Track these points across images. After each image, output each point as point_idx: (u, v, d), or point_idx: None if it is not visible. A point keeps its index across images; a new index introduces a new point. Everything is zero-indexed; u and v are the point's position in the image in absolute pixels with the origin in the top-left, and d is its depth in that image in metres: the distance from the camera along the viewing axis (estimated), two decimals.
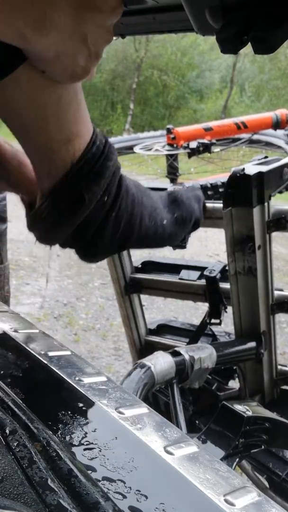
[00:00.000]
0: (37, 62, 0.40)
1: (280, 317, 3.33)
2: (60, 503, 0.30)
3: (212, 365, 0.94)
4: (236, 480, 0.35)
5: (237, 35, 0.41)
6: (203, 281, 1.13)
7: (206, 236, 5.33)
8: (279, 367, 1.13)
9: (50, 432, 0.38)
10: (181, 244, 1.14)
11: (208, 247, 5.10)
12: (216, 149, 1.97)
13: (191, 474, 0.35)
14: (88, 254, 0.56)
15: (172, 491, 0.33)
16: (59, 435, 0.38)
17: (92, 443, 0.37)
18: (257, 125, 1.96)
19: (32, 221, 0.52)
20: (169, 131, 1.87)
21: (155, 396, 1.19)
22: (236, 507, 0.32)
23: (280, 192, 0.99)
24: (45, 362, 0.49)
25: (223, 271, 1.11)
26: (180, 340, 1.28)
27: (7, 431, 0.37)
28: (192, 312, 3.51)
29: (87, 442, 0.37)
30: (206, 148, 1.80)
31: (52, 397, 0.45)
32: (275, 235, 1.00)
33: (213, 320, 1.12)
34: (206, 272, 1.11)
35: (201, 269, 1.16)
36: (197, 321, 1.52)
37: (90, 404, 0.43)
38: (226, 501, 0.33)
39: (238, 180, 0.91)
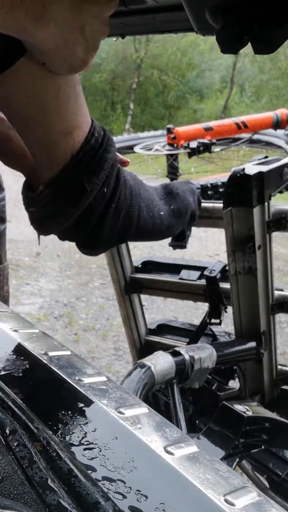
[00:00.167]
0: (37, 54, 0.41)
1: (280, 317, 3.33)
2: (60, 503, 0.30)
3: (212, 365, 0.94)
4: (236, 480, 0.35)
5: (237, 35, 0.41)
6: (203, 281, 1.13)
7: (206, 236, 5.33)
8: (279, 367, 1.13)
9: (50, 432, 0.38)
10: (181, 244, 1.14)
11: (208, 247, 5.10)
12: (216, 149, 1.97)
13: (191, 474, 0.35)
14: (89, 246, 0.56)
15: (172, 491, 0.33)
16: (59, 435, 0.38)
17: (92, 443, 0.37)
18: (257, 125, 1.95)
19: (30, 205, 0.52)
20: (169, 131, 1.87)
21: (155, 396, 1.19)
22: (236, 507, 0.32)
23: (280, 192, 0.99)
24: (45, 362, 0.49)
25: (223, 271, 1.11)
26: (180, 340, 1.28)
27: (7, 431, 0.37)
28: (192, 312, 3.51)
29: (87, 442, 0.37)
30: (206, 148, 1.80)
31: (52, 397, 0.45)
32: (275, 235, 1.00)
33: (213, 320, 1.12)
34: (206, 272, 1.11)
35: (201, 269, 1.16)
36: (197, 321, 1.52)
37: (90, 404, 0.43)
38: (226, 501, 0.33)
39: (238, 180, 0.91)
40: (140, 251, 4.46)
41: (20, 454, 0.35)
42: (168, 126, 1.89)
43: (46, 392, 0.46)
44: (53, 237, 0.58)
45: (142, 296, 1.34)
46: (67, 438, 0.38)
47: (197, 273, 1.17)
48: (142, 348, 1.35)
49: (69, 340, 3.03)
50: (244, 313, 1.05)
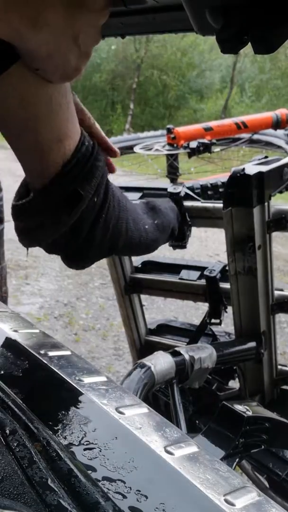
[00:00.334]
0: (30, 61, 0.41)
1: (280, 317, 3.33)
2: (60, 503, 0.30)
3: (212, 365, 0.94)
4: (236, 480, 0.35)
5: (237, 35, 0.41)
6: (203, 281, 1.13)
7: (206, 236, 5.33)
8: (279, 367, 1.14)
9: (50, 432, 0.38)
10: (181, 244, 1.14)
11: (208, 247, 5.10)
12: (216, 149, 1.97)
13: (191, 474, 0.35)
14: (78, 258, 0.56)
15: (172, 491, 0.33)
16: (59, 435, 0.38)
17: (92, 443, 0.37)
18: (257, 125, 1.96)
19: (20, 214, 0.52)
20: (169, 131, 1.87)
21: (155, 396, 1.19)
22: (236, 507, 0.32)
23: (280, 192, 0.99)
24: (45, 362, 0.49)
25: (223, 271, 1.11)
26: (180, 340, 1.28)
27: (7, 431, 0.37)
28: (192, 312, 3.51)
29: (87, 442, 0.37)
30: (206, 148, 1.80)
31: (52, 397, 0.45)
32: (275, 235, 1.00)
33: (213, 320, 1.12)
34: (206, 272, 1.11)
35: (201, 269, 1.16)
36: (197, 321, 1.52)
37: (90, 404, 0.43)
38: (226, 501, 0.33)
39: (238, 180, 0.91)
40: None
41: (20, 454, 0.35)
42: (168, 126, 1.89)
43: (46, 392, 0.46)
44: None
45: (142, 296, 1.34)
46: (67, 438, 0.38)
47: (197, 273, 1.17)
48: (142, 348, 1.35)
49: (69, 340, 3.03)
50: (244, 313, 1.05)
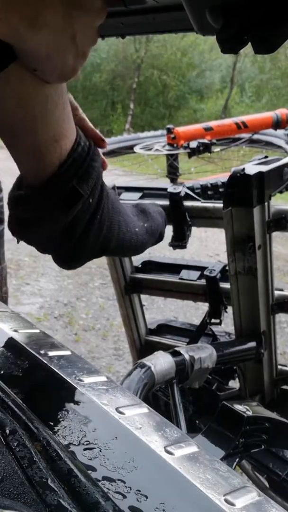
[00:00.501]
0: (28, 61, 0.41)
1: (280, 317, 3.33)
2: (60, 503, 0.31)
3: (212, 365, 0.94)
4: (236, 480, 0.35)
5: (237, 35, 0.41)
6: (203, 281, 1.13)
7: (206, 236, 5.34)
8: (279, 367, 1.14)
9: (50, 432, 0.38)
10: (181, 244, 1.14)
11: (208, 247, 5.10)
12: (216, 149, 1.97)
13: (191, 474, 0.35)
14: (71, 258, 0.56)
15: (172, 491, 0.33)
16: (59, 435, 0.38)
17: (92, 443, 0.37)
18: (257, 125, 1.95)
19: (18, 204, 0.51)
20: (169, 131, 1.87)
21: (155, 396, 1.19)
22: (236, 507, 0.32)
23: (280, 192, 0.99)
24: (45, 362, 0.49)
25: (223, 271, 1.11)
26: (180, 340, 1.28)
27: (7, 431, 0.37)
28: (192, 312, 3.51)
29: (87, 442, 0.37)
30: (206, 148, 1.80)
31: (52, 397, 0.45)
32: (275, 235, 1.00)
33: (213, 320, 1.12)
34: (206, 272, 1.11)
35: (201, 269, 1.16)
36: (197, 321, 1.52)
37: (90, 404, 0.43)
38: (226, 501, 0.33)
39: (238, 180, 0.91)
40: None
41: (20, 454, 0.35)
42: (168, 126, 1.89)
43: (46, 392, 0.46)
44: None
45: (142, 296, 1.34)
46: (67, 438, 0.38)
47: (197, 273, 1.17)
48: (142, 348, 1.35)
49: (69, 340, 3.03)
50: (244, 313, 1.05)
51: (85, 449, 0.37)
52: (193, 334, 1.19)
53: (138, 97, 18.39)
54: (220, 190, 1.16)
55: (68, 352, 0.53)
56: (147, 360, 0.84)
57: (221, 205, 0.97)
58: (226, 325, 1.26)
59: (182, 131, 1.87)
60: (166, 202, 1.11)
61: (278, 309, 1.05)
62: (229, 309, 1.10)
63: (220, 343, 1.12)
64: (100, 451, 0.36)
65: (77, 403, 0.43)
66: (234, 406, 0.83)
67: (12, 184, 0.54)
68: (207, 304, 1.14)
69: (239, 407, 0.83)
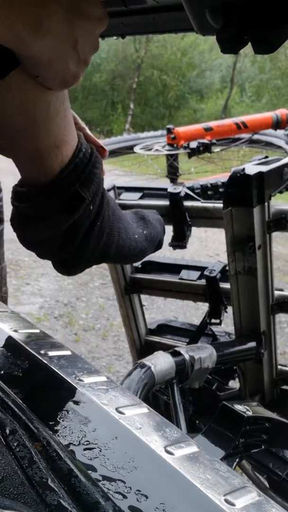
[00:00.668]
0: (30, 67, 0.41)
1: (280, 317, 3.33)
2: (60, 503, 0.30)
3: (212, 365, 0.94)
4: (236, 480, 0.35)
5: (237, 35, 0.41)
6: (203, 281, 1.13)
7: (206, 236, 5.33)
8: (279, 367, 1.14)
9: (50, 432, 0.38)
10: (181, 244, 1.14)
11: (208, 247, 5.10)
12: (216, 149, 1.97)
13: (191, 474, 0.35)
14: (71, 265, 0.56)
15: (172, 491, 0.33)
16: (59, 435, 0.38)
17: (92, 443, 0.37)
18: (257, 125, 1.96)
19: (21, 201, 0.52)
20: (169, 131, 1.87)
21: (155, 396, 1.19)
22: (236, 507, 0.32)
23: (280, 192, 0.99)
24: (45, 362, 0.49)
25: (223, 271, 1.11)
26: (180, 340, 1.28)
27: (7, 431, 0.37)
28: (192, 312, 3.51)
29: (87, 442, 0.37)
30: (206, 148, 1.80)
31: (52, 397, 0.45)
32: (275, 235, 1.00)
33: (213, 320, 1.12)
34: (206, 272, 1.11)
35: (201, 269, 1.16)
36: (197, 321, 1.52)
37: (90, 404, 0.43)
38: (226, 501, 0.33)
39: (239, 180, 0.91)
40: None
41: (20, 454, 0.35)
42: (168, 126, 1.89)
43: (46, 392, 0.46)
44: None
45: (142, 296, 1.34)
46: (67, 438, 0.38)
47: (197, 273, 1.17)
48: (142, 348, 1.35)
49: (69, 340, 3.03)
50: (244, 313, 1.05)
51: (85, 449, 0.37)
52: (193, 334, 1.19)
53: (138, 97, 18.39)
54: (220, 190, 1.16)
55: (68, 352, 0.53)
56: (147, 360, 0.84)
57: (221, 205, 0.97)
58: (226, 325, 1.26)
59: (182, 131, 1.88)
60: (166, 202, 1.11)
61: (278, 309, 1.05)
62: (229, 309, 1.10)
63: (220, 343, 1.12)
64: (100, 451, 0.36)
65: (77, 403, 0.43)
66: (234, 406, 0.83)
67: (12, 184, 0.54)
68: (207, 304, 1.14)
69: (239, 407, 0.83)
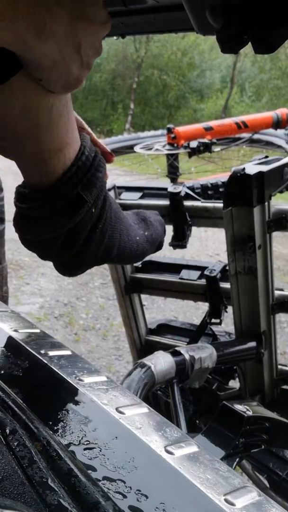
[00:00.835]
0: (34, 70, 0.42)
1: (280, 317, 3.33)
2: (61, 503, 0.31)
3: (212, 365, 0.94)
4: (236, 480, 0.35)
5: (237, 34, 0.41)
6: (203, 281, 1.13)
7: (206, 236, 5.33)
8: (279, 367, 1.14)
9: (50, 432, 0.38)
10: (181, 243, 1.14)
11: (208, 247, 5.10)
12: (216, 148, 1.97)
13: (191, 474, 0.35)
14: (73, 266, 0.56)
15: (173, 490, 0.33)
16: (59, 435, 0.38)
17: (92, 443, 0.37)
18: (257, 125, 1.96)
19: (23, 201, 0.52)
20: (169, 131, 1.87)
21: (155, 395, 1.19)
22: (236, 507, 0.32)
23: (281, 191, 0.99)
24: (45, 362, 0.49)
25: (224, 271, 1.11)
26: (181, 340, 1.28)
27: (7, 431, 0.37)
28: (192, 312, 3.51)
29: (87, 442, 0.37)
30: (207, 147, 1.80)
31: (52, 397, 0.45)
32: (276, 234, 1.00)
33: (213, 320, 1.12)
34: (206, 272, 1.11)
35: (202, 269, 1.16)
36: (197, 321, 1.52)
37: (90, 403, 0.43)
38: (226, 500, 0.33)
39: (239, 180, 0.91)
40: None
41: (20, 454, 0.35)
42: (168, 125, 1.89)
43: (46, 392, 0.46)
44: None
45: (142, 296, 1.34)
46: (67, 437, 0.38)
47: (197, 273, 1.17)
48: (142, 348, 1.35)
49: (69, 340, 3.03)
50: (244, 313, 1.05)
51: (85, 449, 0.37)
52: (193, 334, 1.19)
53: (138, 97, 18.38)
54: (220, 190, 1.16)
55: (68, 352, 0.53)
56: (147, 360, 0.84)
57: (221, 205, 0.97)
58: (226, 325, 1.26)
59: (183, 131, 1.87)
60: (166, 202, 1.11)
61: (278, 309, 1.05)
62: (229, 309, 1.10)
63: (220, 343, 1.12)
64: (100, 451, 0.37)
65: (77, 403, 0.43)
66: (234, 406, 0.83)
67: (13, 183, 0.54)
68: (207, 304, 1.14)
69: (239, 407, 0.83)
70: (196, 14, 0.44)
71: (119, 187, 1.22)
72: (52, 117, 0.46)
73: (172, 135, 1.85)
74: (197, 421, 1.15)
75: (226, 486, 0.34)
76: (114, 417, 0.41)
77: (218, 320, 1.12)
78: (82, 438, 0.38)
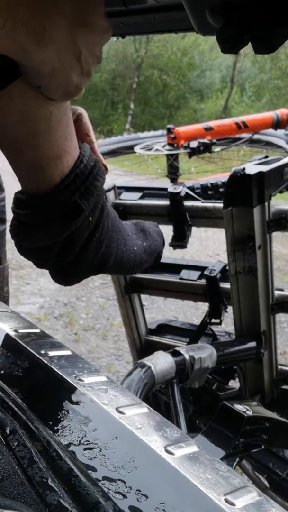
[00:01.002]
0: (33, 78, 0.41)
1: (280, 317, 3.33)
2: (61, 503, 0.31)
3: (212, 365, 0.94)
4: (236, 480, 0.35)
5: (237, 34, 0.41)
6: (203, 281, 1.13)
7: (206, 236, 5.33)
8: (279, 367, 1.14)
9: (50, 432, 0.38)
10: (181, 243, 1.14)
11: (208, 247, 5.10)
12: (216, 148, 1.97)
13: (191, 474, 0.35)
14: (68, 275, 0.56)
15: (173, 490, 0.33)
16: (59, 435, 0.38)
17: (92, 443, 0.37)
18: (257, 125, 1.96)
19: (21, 208, 0.51)
20: (169, 131, 1.87)
21: (155, 395, 1.19)
22: (236, 507, 0.32)
23: (281, 191, 0.99)
24: (45, 362, 0.49)
25: (224, 271, 1.11)
26: (181, 340, 1.28)
27: (7, 431, 0.37)
28: (192, 312, 3.51)
29: (87, 442, 0.37)
30: (207, 147, 1.80)
31: (52, 397, 0.45)
32: (276, 234, 1.00)
33: (213, 320, 1.12)
34: (206, 272, 1.11)
35: (202, 269, 1.16)
36: (197, 321, 1.52)
37: (90, 403, 0.43)
38: (226, 500, 0.33)
39: (239, 180, 0.91)
40: None
41: (20, 454, 0.35)
42: (168, 126, 1.89)
43: (46, 392, 0.46)
44: None
45: (142, 296, 1.34)
46: (67, 438, 0.38)
47: (197, 273, 1.17)
48: (142, 348, 1.35)
49: (69, 340, 3.03)
50: (244, 313, 1.05)
51: (85, 449, 0.37)
52: (193, 334, 1.19)
53: (138, 97, 18.38)
54: (220, 190, 1.17)
55: (68, 352, 0.53)
56: (147, 360, 0.84)
57: (221, 205, 0.97)
58: (226, 325, 1.26)
59: (183, 131, 1.88)
60: (166, 202, 1.11)
61: (278, 309, 1.05)
62: (229, 309, 1.10)
63: (220, 343, 1.12)
64: (100, 451, 0.37)
65: (77, 403, 0.43)
66: (234, 406, 0.83)
67: (14, 184, 0.54)
68: (207, 304, 1.14)
69: (239, 407, 0.83)
70: (196, 14, 0.44)
71: (119, 187, 1.22)
72: (51, 125, 0.45)
73: (172, 135, 1.85)
74: (197, 421, 1.15)
75: (226, 486, 0.34)
76: (114, 417, 0.41)
77: (218, 320, 1.12)
78: (82, 438, 0.38)
